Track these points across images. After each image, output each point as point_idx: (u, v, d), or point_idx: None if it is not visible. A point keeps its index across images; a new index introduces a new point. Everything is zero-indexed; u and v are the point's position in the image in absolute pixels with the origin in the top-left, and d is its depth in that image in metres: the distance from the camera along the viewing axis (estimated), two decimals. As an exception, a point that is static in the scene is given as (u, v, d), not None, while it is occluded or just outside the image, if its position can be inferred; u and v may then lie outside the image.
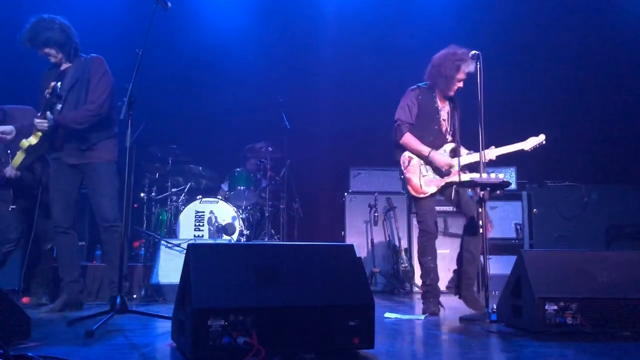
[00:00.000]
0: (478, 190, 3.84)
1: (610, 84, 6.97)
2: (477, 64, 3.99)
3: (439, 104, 4.34)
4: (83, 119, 3.98)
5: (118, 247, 3.82)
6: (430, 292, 4.23)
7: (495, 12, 7.13)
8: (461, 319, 3.80)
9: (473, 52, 4.01)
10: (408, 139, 4.28)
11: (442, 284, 5.53)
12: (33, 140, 3.99)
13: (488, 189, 3.80)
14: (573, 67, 7.06)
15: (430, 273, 4.26)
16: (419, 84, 4.40)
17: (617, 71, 6.91)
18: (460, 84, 4.25)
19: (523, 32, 7.17)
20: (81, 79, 4.05)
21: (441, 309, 4.24)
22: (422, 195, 4.26)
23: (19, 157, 4.12)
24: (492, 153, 4.21)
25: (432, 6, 7.36)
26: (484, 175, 3.86)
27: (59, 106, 4.00)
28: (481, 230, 3.85)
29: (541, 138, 4.26)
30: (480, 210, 3.86)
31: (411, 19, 7.32)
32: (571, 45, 7.06)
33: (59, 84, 3.90)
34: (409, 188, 4.33)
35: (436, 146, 4.27)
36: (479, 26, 7.00)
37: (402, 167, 4.34)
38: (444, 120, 4.34)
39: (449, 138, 4.35)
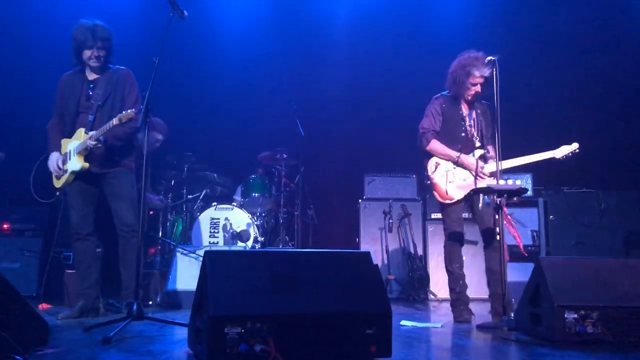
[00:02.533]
0: (494, 197, 3.81)
1: (628, 89, 6.90)
2: (493, 70, 3.92)
3: (464, 110, 4.31)
4: (124, 135, 4.04)
5: (132, 254, 3.91)
6: (460, 300, 4.20)
7: (513, 16, 7.10)
8: (478, 327, 3.76)
9: (489, 58, 3.95)
10: (435, 145, 4.27)
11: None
12: (82, 161, 4.00)
13: (505, 195, 3.77)
14: (590, 72, 6.99)
15: (459, 280, 4.23)
16: (443, 93, 4.37)
17: (635, 76, 6.83)
18: (477, 88, 4.16)
19: (541, 37, 7.13)
20: (114, 94, 4.10)
21: (473, 317, 4.17)
22: (448, 201, 4.22)
23: (70, 178, 4.07)
24: (520, 161, 4.12)
25: (448, 11, 7.33)
26: (501, 182, 3.83)
27: (90, 117, 4.04)
28: (498, 238, 3.78)
29: (574, 146, 4.14)
30: (497, 217, 3.80)
31: (427, 24, 7.30)
32: (589, 51, 6.99)
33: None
34: (435, 194, 4.30)
35: (465, 153, 4.24)
36: (495, 30, 6.96)
37: (429, 172, 4.30)
38: (470, 126, 4.29)
39: (477, 144, 4.28)
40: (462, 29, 7.00)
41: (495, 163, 4.11)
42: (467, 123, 4.28)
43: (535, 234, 6.28)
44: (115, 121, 3.74)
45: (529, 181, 6.41)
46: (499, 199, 3.74)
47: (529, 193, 6.38)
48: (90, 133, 3.93)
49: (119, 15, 6.57)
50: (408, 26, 7.31)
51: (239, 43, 7.31)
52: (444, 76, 4.37)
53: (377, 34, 7.31)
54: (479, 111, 4.31)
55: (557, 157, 4.14)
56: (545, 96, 7.08)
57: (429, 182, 4.35)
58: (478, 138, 4.29)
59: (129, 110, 3.72)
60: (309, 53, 7.41)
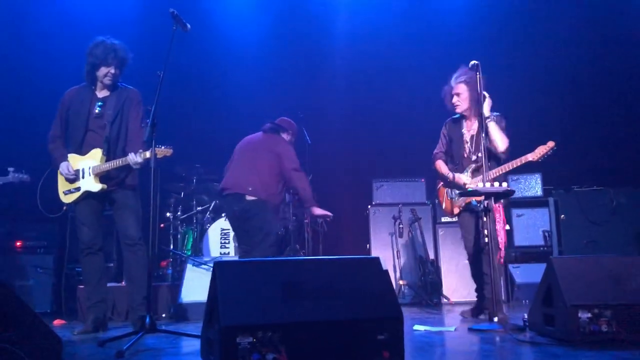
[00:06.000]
0: (482, 200, 3.94)
1: (636, 84, 6.86)
2: (476, 74, 4.07)
3: (466, 128, 4.52)
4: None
5: (141, 266, 4.04)
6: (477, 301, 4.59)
7: (514, 23, 7.11)
8: (470, 329, 3.75)
9: (472, 62, 4.07)
10: (437, 166, 4.65)
11: (463, 295, 5.86)
12: (99, 182, 4.07)
13: (492, 197, 3.87)
14: (597, 69, 6.96)
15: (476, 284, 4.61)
16: (452, 116, 4.65)
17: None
18: (454, 101, 4.46)
19: (545, 38, 7.13)
20: (122, 113, 4.15)
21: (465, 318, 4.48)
22: (450, 217, 4.78)
23: (81, 196, 4.12)
24: (501, 170, 4.26)
25: (452, 15, 7.35)
26: (487, 185, 3.86)
27: (105, 137, 4.09)
28: (486, 240, 3.92)
29: (550, 146, 4.16)
30: (485, 219, 3.94)
31: (429, 30, 7.30)
32: (594, 47, 6.97)
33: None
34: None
35: (463, 169, 4.49)
36: (493, 34, 6.98)
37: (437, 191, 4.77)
38: (466, 142, 4.48)
39: (473, 158, 4.43)
40: (465, 32, 7.01)
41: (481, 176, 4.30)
42: (465, 141, 4.49)
43: (546, 234, 6.24)
44: (149, 154, 3.74)
45: (539, 181, 6.38)
46: (486, 202, 3.87)
47: (539, 193, 6.35)
48: (133, 158, 3.91)
49: (119, 26, 6.64)
50: (414, 31, 7.31)
51: (243, 54, 7.36)
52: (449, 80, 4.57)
53: (382, 40, 7.32)
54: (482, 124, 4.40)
55: (534, 159, 4.19)
56: (554, 94, 7.06)
57: (437, 200, 4.88)
58: (475, 153, 4.43)
59: (162, 148, 3.76)
60: (314, 61, 7.43)
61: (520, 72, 7.01)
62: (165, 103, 4.04)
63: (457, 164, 4.54)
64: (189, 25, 3.80)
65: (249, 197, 4.67)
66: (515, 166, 4.22)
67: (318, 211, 4.92)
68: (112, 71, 4.10)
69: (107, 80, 4.14)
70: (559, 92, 7.07)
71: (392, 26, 7.35)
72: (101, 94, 4.21)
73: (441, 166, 4.61)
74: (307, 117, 6.65)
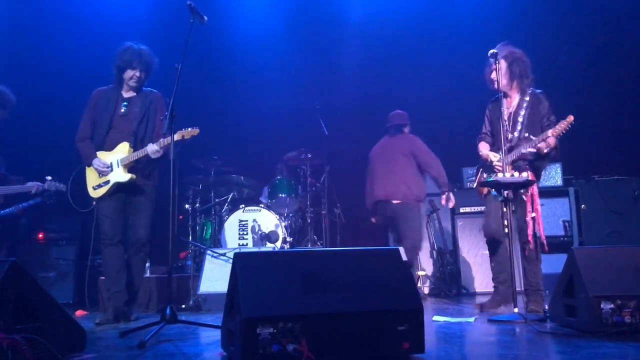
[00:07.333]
0: (502, 190, 3.90)
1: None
2: (495, 62, 4.08)
3: (505, 106, 4.35)
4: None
5: (142, 266, 4.40)
6: (494, 292, 4.47)
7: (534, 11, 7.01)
8: (490, 320, 3.72)
9: (491, 51, 4.09)
10: (479, 146, 4.62)
11: (482, 286, 5.84)
12: (127, 172, 4.21)
13: (512, 188, 3.86)
14: (618, 57, 6.85)
15: (493, 272, 4.52)
16: (495, 96, 4.53)
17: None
18: (492, 75, 4.29)
19: (567, 23, 7.02)
20: (147, 115, 4.35)
21: (499, 308, 4.34)
22: (481, 198, 4.63)
23: (111, 189, 4.24)
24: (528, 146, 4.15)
25: (464, 8, 7.28)
26: (507, 175, 3.82)
27: (132, 131, 4.26)
28: (506, 231, 3.88)
29: (569, 120, 3.98)
30: (505, 209, 3.91)
31: (443, 19, 7.24)
32: (618, 33, 6.85)
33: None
34: None
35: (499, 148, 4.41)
36: (513, 22, 6.89)
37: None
38: (504, 121, 4.34)
39: (509, 137, 4.31)
40: (483, 20, 6.94)
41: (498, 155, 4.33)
42: (503, 118, 4.32)
43: (567, 224, 6.17)
44: (177, 136, 3.89)
45: (559, 170, 6.31)
46: (506, 192, 3.84)
47: (559, 182, 6.28)
48: (152, 147, 4.11)
49: (137, 20, 6.67)
50: (431, 19, 7.25)
51: (260, 46, 7.36)
52: (464, 70, 4.47)
53: (399, 30, 7.27)
54: (525, 104, 4.32)
55: (554, 135, 4.00)
56: (573, 82, 6.96)
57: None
58: (515, 132, 4.31)
59: (189, 129, 3.99)
60: (331, 51, 7.41)
61: (541, 57, 6.92)
62: (183, 95, 4.06)
63: (499, 144, 4.38)
64: (206, 17, 3.80)
65: (394, 202, 5.59)
66: (540, 142, 4.06)
67: (452, 198, 5.59)
68: (138, 74, 4.31)
69: (132, 83, 4.33)
70: (579, 81, 6.96)
71: (408, 15, 7.29)
72: (127, 94, 4.39)
73: (480, 146, 4.59)
74: (324, 108, 6.64)
